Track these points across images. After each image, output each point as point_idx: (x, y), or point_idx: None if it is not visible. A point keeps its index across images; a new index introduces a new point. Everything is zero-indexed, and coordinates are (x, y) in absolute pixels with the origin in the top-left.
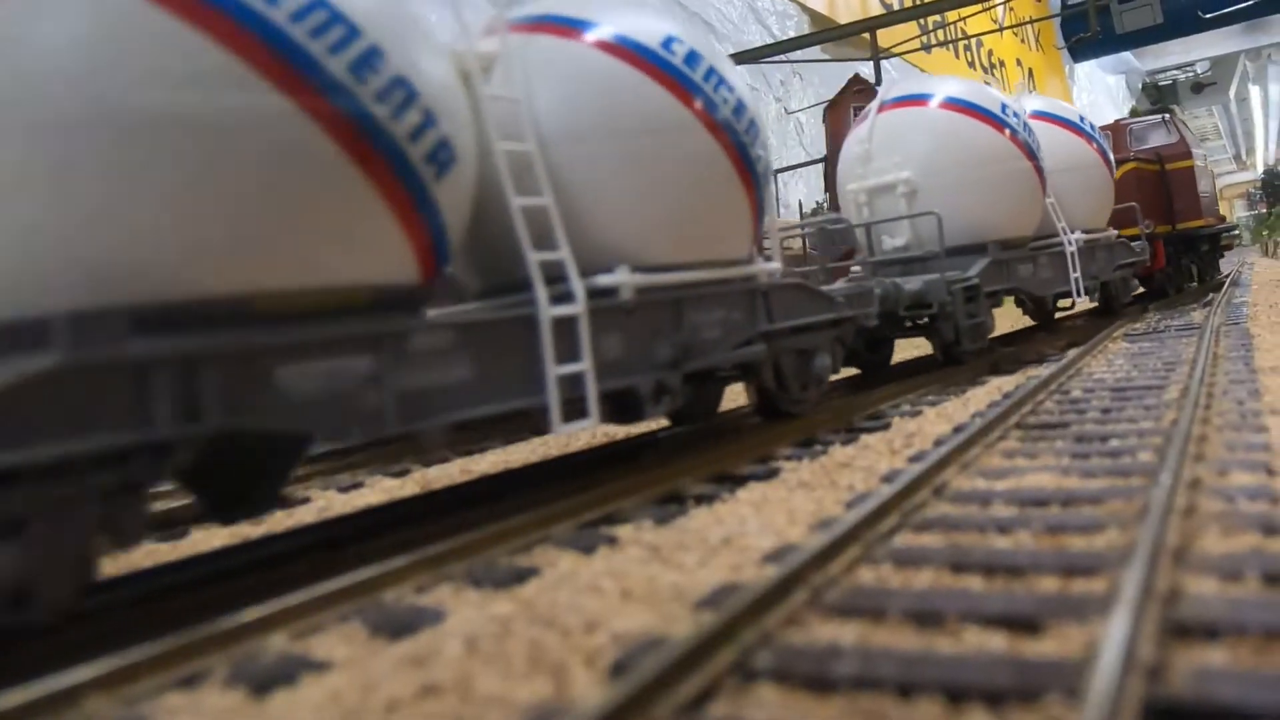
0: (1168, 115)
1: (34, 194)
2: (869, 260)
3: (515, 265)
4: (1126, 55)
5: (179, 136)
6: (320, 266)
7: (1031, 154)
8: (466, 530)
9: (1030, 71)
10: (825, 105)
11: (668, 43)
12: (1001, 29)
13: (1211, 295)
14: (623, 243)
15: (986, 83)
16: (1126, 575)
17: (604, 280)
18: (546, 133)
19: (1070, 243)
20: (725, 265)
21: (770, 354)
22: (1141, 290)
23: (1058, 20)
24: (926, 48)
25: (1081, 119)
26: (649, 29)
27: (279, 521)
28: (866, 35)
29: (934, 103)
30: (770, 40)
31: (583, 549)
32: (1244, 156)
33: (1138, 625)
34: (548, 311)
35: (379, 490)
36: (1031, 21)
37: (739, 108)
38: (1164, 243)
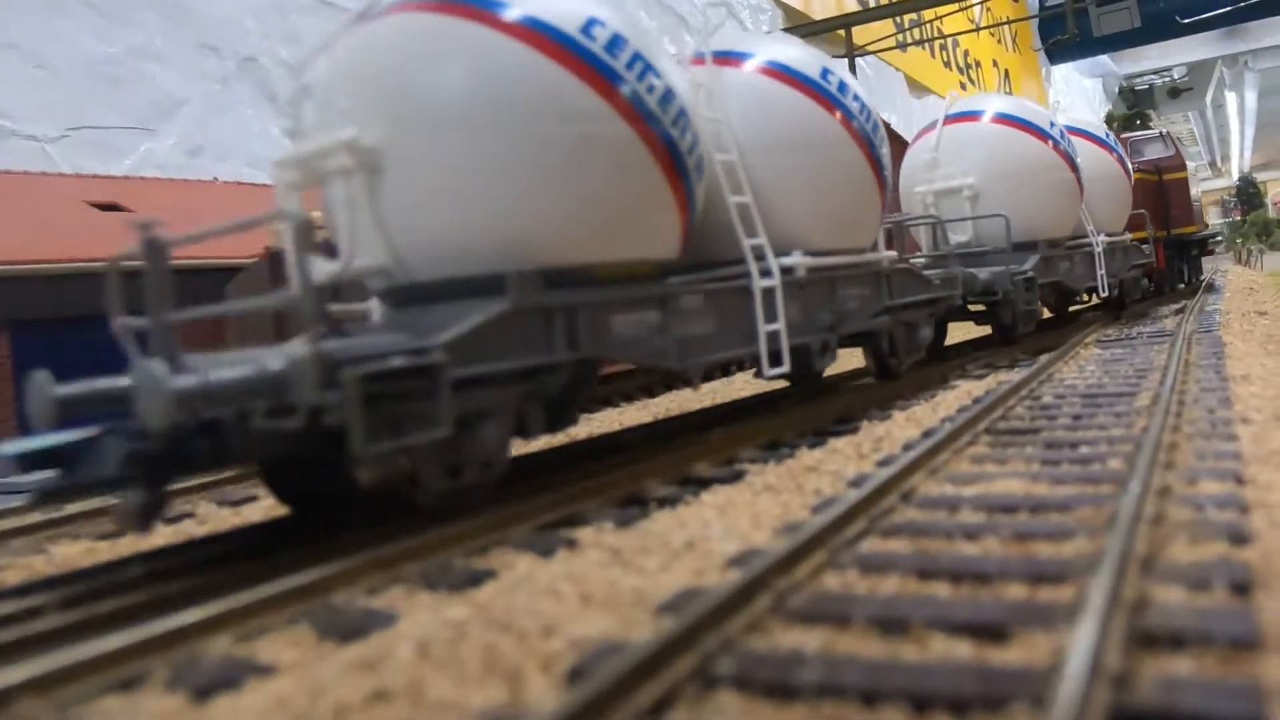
0: (1165, 130)
1: (490, 200)
2: (935, 253)
3: (723, 247)
4: (1103, 59)
5: (568, 156)
6: (637, 246)
7: (1073, 165)
8: (420, 531)
9: (1006, 73)
10: None
11: (824, 73)
12: (978, 29)
13: (1184, 302)
14: (796, 233)
15: (961, 84)
16: (1094, 583)
17: (785, 261)
18: (741, 146)
19: (1097, 244)
20: (862, 252)
21: (889, 324)
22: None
23: (1035, 22)
24: (902, 46)
25: (1107, 134)
26: (805, 59)
27: (224, 520)
28: (841, 32)
29: (986, 118)
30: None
31: (541, 551)
32: (1219, 163)
33: (1104, 634)
34: (758, 283)
35: None
36: (1009, 22)
37: (875, 126)
38: (1163, 246)
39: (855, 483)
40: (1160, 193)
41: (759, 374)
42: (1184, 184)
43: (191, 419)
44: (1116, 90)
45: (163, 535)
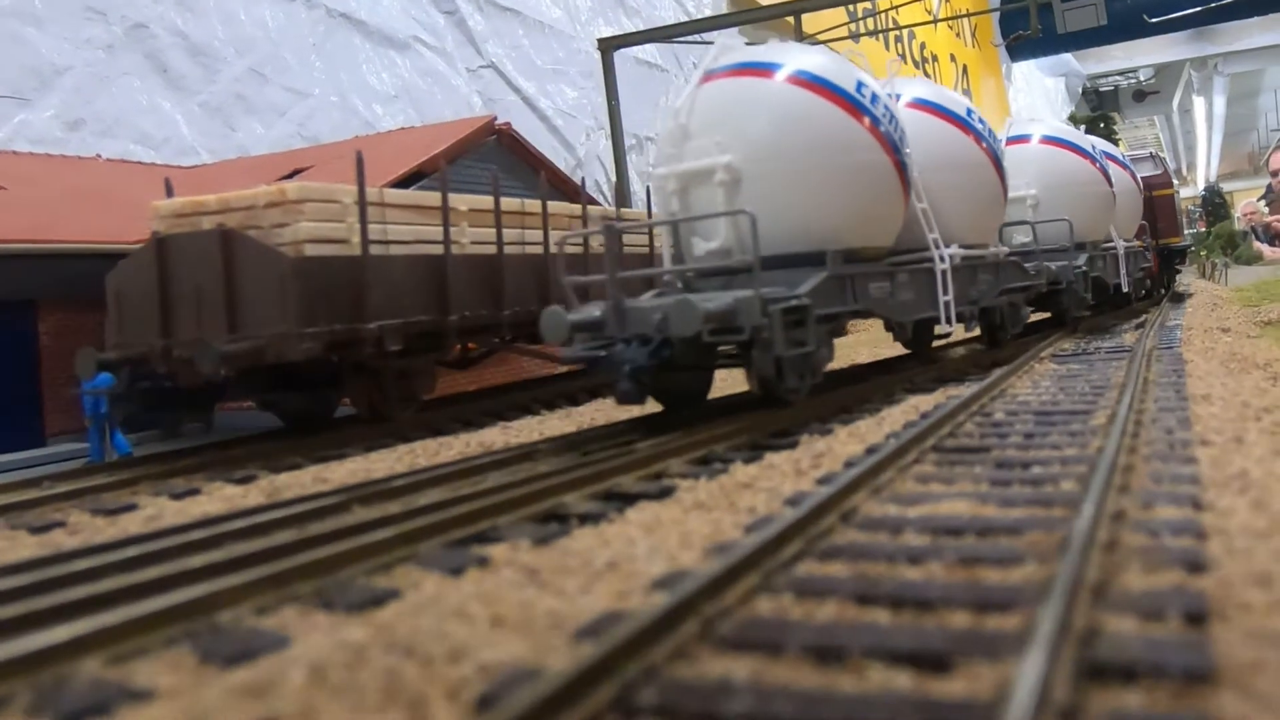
0: (1154, 150)
1: (807, 203)
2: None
3: (905, 239)
4: (1067, 57)
5: (852, 176)
6: (881, 237)
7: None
8: (317, 545)
9: (965, 68)
10: None
11: (970, 112)
12: (936, 21)
13: (1145, 316)
14: (952, 231)
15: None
16: (1043, 612)
17: (948, 251)
18: (919, 165)
19: (1120, 248)
20: (988, 247)
21: (1004, 304)
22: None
23: (996, 16)
24: (855, 36)
25: (1124, 156)
26: (954, 99)
27: (99, 530)
28: (790, 20)
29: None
30: (685, 18)
31: (450, 570)
32: (1185, 172)
33: (1053, 665)
34: (939, 265)
35: (218, 498)
36: (968, 15)
37: (1000, 148)
38: (1156, 254)
39: (793, 501)
40: (1150, 207)
41: (944, 332)
42: (1170, 199)
43: (707, 332)
44: (1080, 91)
45: (29, 546)
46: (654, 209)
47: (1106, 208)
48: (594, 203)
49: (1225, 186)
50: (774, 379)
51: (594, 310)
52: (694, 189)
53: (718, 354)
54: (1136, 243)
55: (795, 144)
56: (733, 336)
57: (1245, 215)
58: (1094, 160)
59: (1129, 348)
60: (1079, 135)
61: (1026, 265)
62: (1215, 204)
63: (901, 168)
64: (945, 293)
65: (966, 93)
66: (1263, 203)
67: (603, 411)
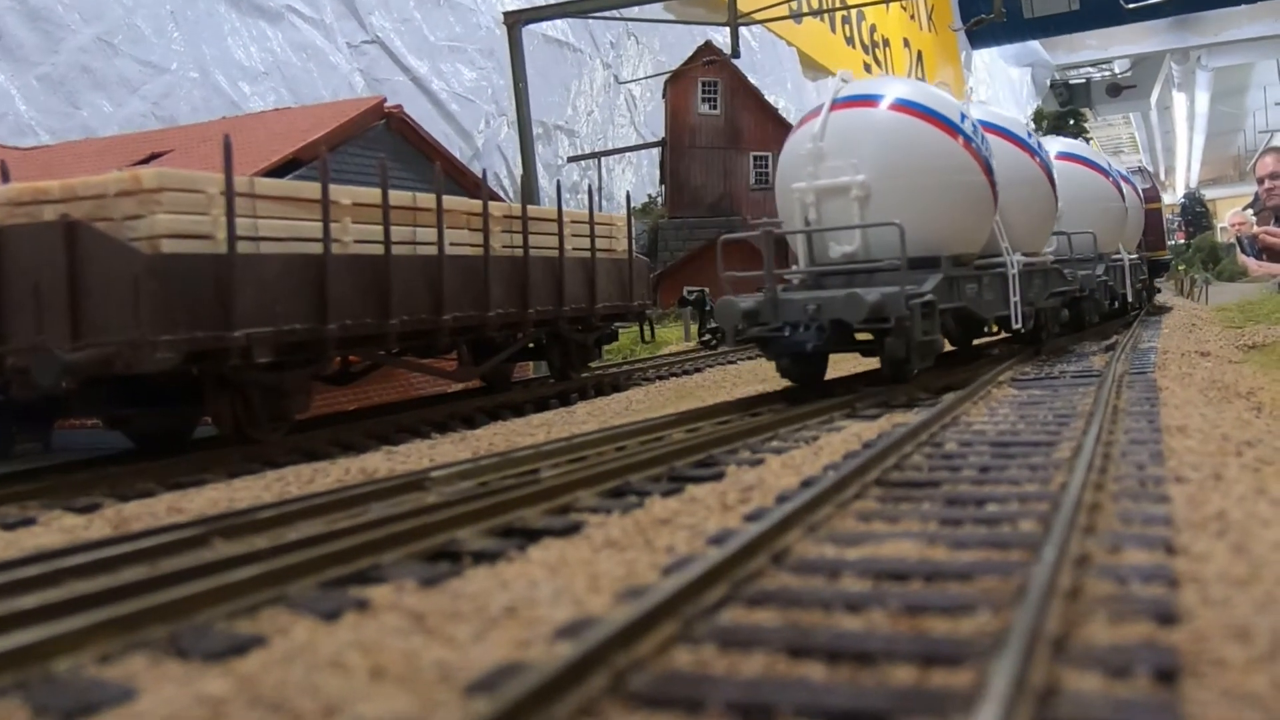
0: (1143, 164)
1: (924, 215)
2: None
3: (985, 246)
4: (1034, 45)
5: (962, 194)
6: (974, 244)
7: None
8: (171, 584)
9: (919, 55)
10: (667, 77)
11: (1030, 134)
12: (887, 1)
13: (1116, 337)
14: (1016, 241)
15: (866, 64)
16: (996, 667)
17: (1016, 258)
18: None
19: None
20: (1041, 255)
21: (1049, 307)
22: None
23: None
24: (796, 16)
25: (1108, 164)
26: (1015, 122)
27: None
28: None
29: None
30: None
31: (325, 614)
32: (1163, 176)
33: None
34: (1010, 270)
35: (57, 529)
36: None
37: (1053, 165)
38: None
39: (717, 540)
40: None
41: (1008, 329)
42: (1158, 213)
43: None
44: (1048, 83)
45: None
46: (782, 216)
47: (1120, 222)
48: (496, 198)
49: (1207, 193)
50: (903, 360)
51: (750, 301)
52: (828, 201)
53: (854, 340)
54: (1048, 257)
55: (916, 165)
56: (879, 324)
57: (1234, 225)
58: (1111, 176)
59: (1097, 372)
60: (1093, 151)
61: (1068, 270)
62: (1196, 213)
63: (993, 186)
64: (1015, 294)
65: (920, 81)
66: (1249, 212)
67: (502, 435)
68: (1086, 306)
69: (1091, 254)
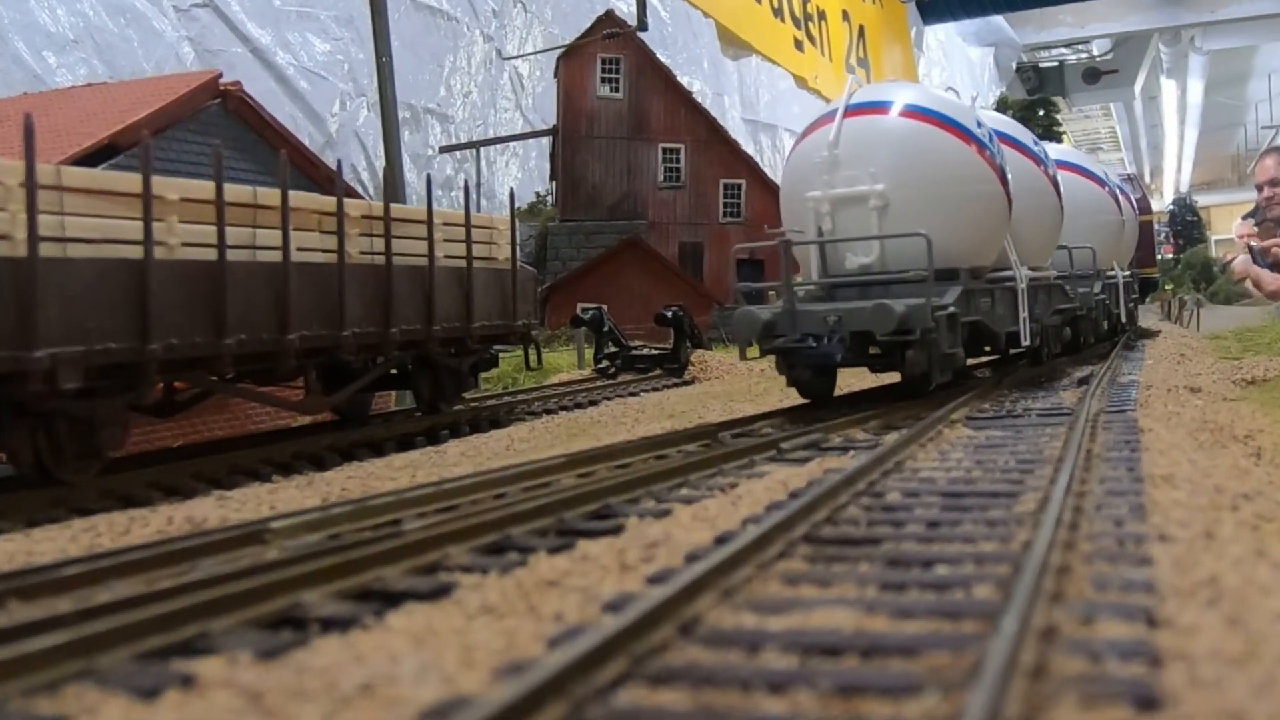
0: (1133, 173)
1: (941, 226)
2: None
3: (995, 260)
4: (998, 20)
5: (982, 205)
6: (989, 257)
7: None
8: None
9: (861, 30)
10: (559, 53)
11: (1036, 142)
12: None
13: (1091, 368)
14: (1023, 254)
15: (797, 41)
16: None
17: (1024, 273)
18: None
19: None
20: (1044, 271)
21: (1055, 324)
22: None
23: None
24: None
25: (1105, 173)
26: (1022, 130)
27: None
28: None
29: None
30: None
31: (142, 691)
32: (1148, 177)
33: None
34: (1019, 284)
35: None
36: None
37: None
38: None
39: (614, 605)
40: None
41: (1015, 347)
42: (1149, 225)
43: (882, 331)
44: (1014, 67)
45: None
46: (788, 225)
47: (1118, 236)
48: (353, 195)
49: (1200, 199)
50: (925, 374)
51: (768, 313)
52: (844, 210)
53: (869, 353)
54: (1051, 273)
55: (935, 175)
56: (903, 337)
57: (1242, 237)
58: (1108, 187)
59: (1068, 410)
60: (1090, 159)
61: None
62: (1187, 222)
63: (1008, 196)
64: (1024, 310)
65: (862, 61)
66: (1250, 221)
67: (358, 479)
68: (1084, 326)
69: (1091, 270)
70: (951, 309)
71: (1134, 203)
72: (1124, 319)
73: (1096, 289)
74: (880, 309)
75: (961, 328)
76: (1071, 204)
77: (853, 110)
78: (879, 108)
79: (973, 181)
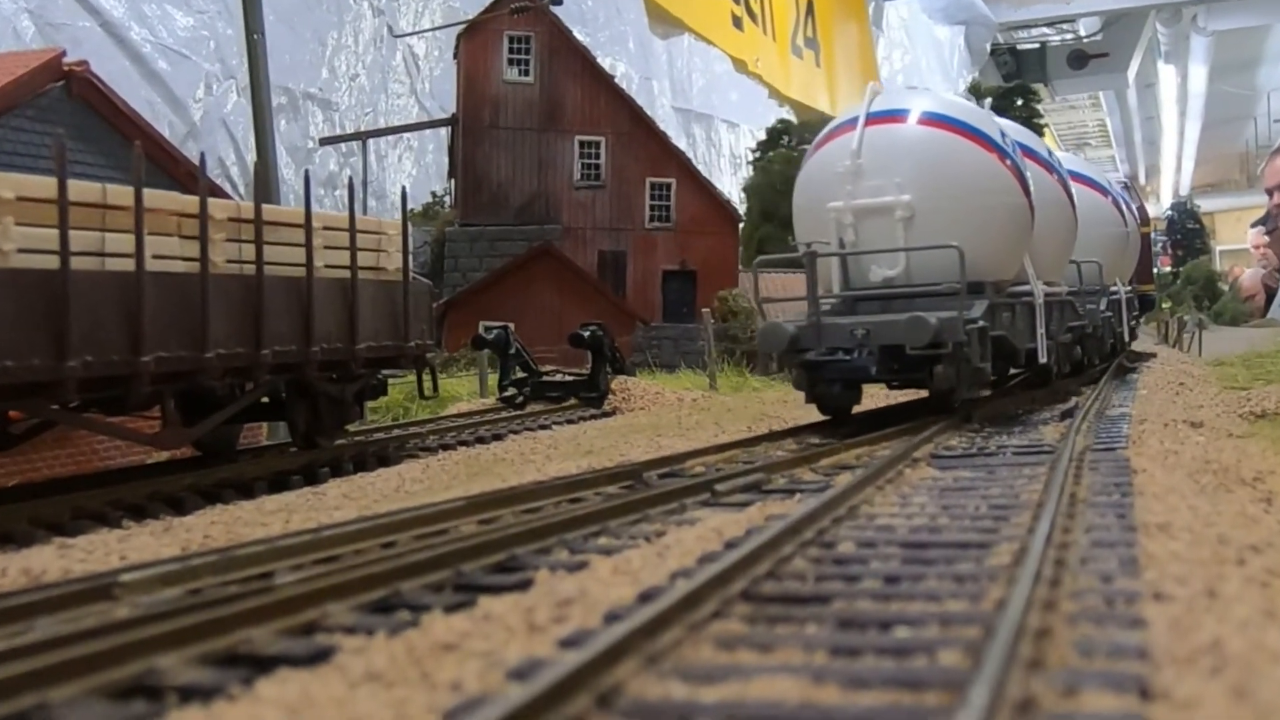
0: (1129, 179)
1: (976, 240)
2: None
3: (1016, 276)
4: None
5: (1008, 215)
6: (1011, 270)
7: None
8: None
9: (809, 8)
10: (460, 30)
11: (1050, 152)
12: None
13: (1075, 399)
14: (1039, 270)
15: (735, 17)
16: None
17: (1039, 288)
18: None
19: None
20: (1058, 286)
21: (1067, 342)
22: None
23: None
24: None
25: (1109, 182)
26: (1037, 139)
27: None
28: None
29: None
30: None
31: None
32: (1143, 178)
33: None
34: (1036, 300)
35: None
36: None
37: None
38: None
39: (521, 673)
40: None
41: (1032, 364)
42: (1147, 237)
43: (911, 345)
44: (987, 49)
45: None
46: (805, 237)
47: (1124, 250)
48: (220, 193)
49: (1203, 204)
50: (953, 389)
51: (792, 326)
52: (868, 221)
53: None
54: (1063, 288)
55: (961, 186)
56: (934, 350)
57: (1255, 247)
58: (1111, 196)
59: (1049, 447)
60: (1094, 168)
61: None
62: (1188, 230)
63: (1031, 208)
64: (1041, 325)
65: (811, 42)
66: (1260, 230)
67: (223, 525)
68: (1090, 345)
69: (1097, 286)
70: (982, 323)
71: (1134, 212)
72: (1126, 339)
73: (1102, 306)
74: (915, 321)
75: (989, 342)
76: (1079, 215)
77: (874, 119)
78: (898, 116)
79: (999, 193)
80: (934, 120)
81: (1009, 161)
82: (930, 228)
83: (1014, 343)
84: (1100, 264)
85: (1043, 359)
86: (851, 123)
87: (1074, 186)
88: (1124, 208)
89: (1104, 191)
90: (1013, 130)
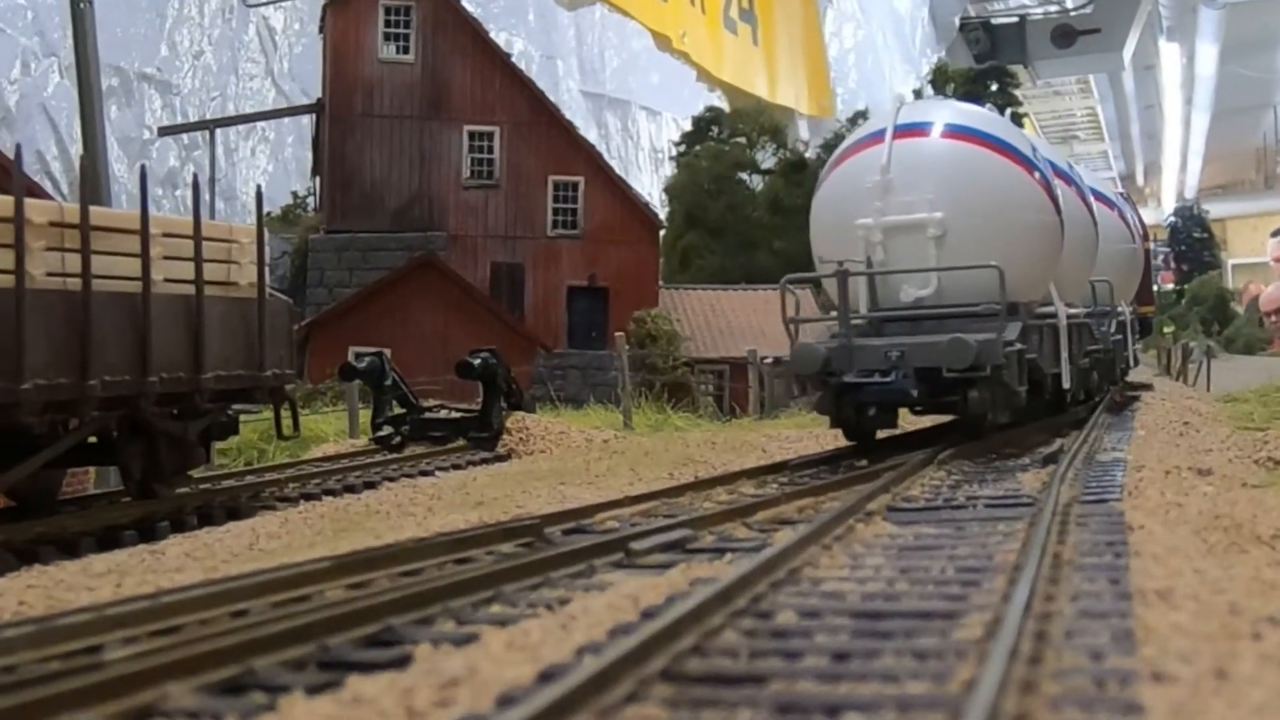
0: (1124, 191)
1: (1009, 260)
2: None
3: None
4: None
5: (1040, 235)
6: (1040, 290)
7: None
8: None
9: None
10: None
11: (1071, 166)
12: None
13: (1059, 441)
14: (1062, 292)
15: None
16: None
17: (1063, 309)
18: None
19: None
20: (1077, 308)
21: (1085, 367)
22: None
23: None
24: None
25: (1109, 190)
26: (1054, 153)
27: None
28: None
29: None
30: None
31: None
32: (1140, 178)
33: None
34: (1060, 322)
35: None
36: None
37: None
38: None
39: None
40: None
41: (1061, 392)
42: (1146, 254)
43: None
44: (956, 24)
45: None
46: (827, 255)
47: (1133, 267)
48: (39, 193)
49: (1213, 209)
50: (988, 413)
51: (823, 348)
52: (898, 239)
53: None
54: (1080, 310)
55: (994, 203)
56: (971, 374)
57: (1277, 260)
58: (1117, 208)
59: (1028, 499)
60: (1100, 181)
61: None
62: (1194, 241)
63: (1063, 226)
64: (1065, 350)
65: (746, 14)
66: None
67: (41, 589)
68: (1102, 371)
69: (1108, 307)
70: (1019, 345)
71: (1139, 225)
72: (1132, 365)
73: (1112, 328)
74: (956, 344)
75: (1026, 366)
76: (1111, 253)
77: (902, 132)
78: (920, 129)
79: (1032, 211)
80: (960, 133)
81: (1039, 176)
82: (962, 246)
83: (1044, 366)
84: (1111, 283)
85: (1067, 385)
86: (877, 135)
87: (1104, 215)
88: (1131, 221)
89: (1111, 204)
90: (1013, 137)
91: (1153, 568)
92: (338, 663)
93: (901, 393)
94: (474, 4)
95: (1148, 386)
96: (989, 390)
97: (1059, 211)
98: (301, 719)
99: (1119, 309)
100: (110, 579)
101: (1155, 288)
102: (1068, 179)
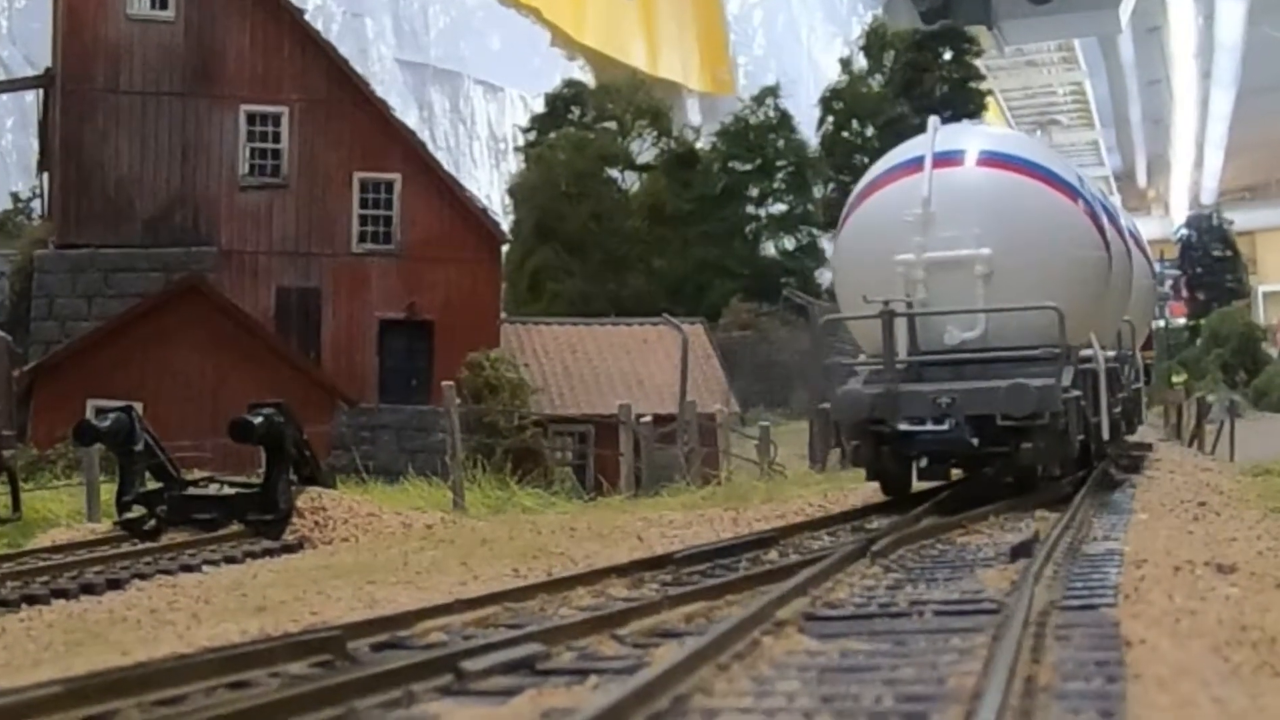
0: (1112, 178)
1: (1060, 300)
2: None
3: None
4: None
5: (1083, 270)
6: (1086, 331)
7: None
8: None
9: None
10: None
11: (1098, 192)
12: None
13: (1035, 525)
14: (1100, 336)
15: None
16: None
17: (1102, 353)
18: None
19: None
20: (1109, 351)
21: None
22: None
23: None
24: None
25: (1124, 216)
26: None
27: None
28: None
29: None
30: None
31: None
32: (1141, 177)
33: None
34: (1099, 366)
35: None
36: None
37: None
38: None
39: None
40: None
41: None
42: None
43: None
44: None
45: None
46: (857, 293)
47: (1148, 305)
48: None
49: (1238, 219)
50: (1039, 465)
51: (868, 393)
52: (941, 276)
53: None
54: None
55: (1044, 239)
56: (1028, 422)
57: None
58: (1135, 237)
59: (991, 604)
60: (1117, 206)
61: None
62: (1214, 261)
63: (1111, 263)
64: (1105, 396)
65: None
66: None
67: None
68: (1129, 419)
69: (1129, 351)
70: (1076, 392)
71: (1149, 253)
72: (1109, 433)
73: (1130, 373)
74: (1017, 389)
75: (1083, 414)
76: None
77: (941, 161)
78: (953, 158)
79: (1085, 247)
80: (999, 161)
81: (1083, 205)
82: (1011, 284)
83: (1085, 413)
84: (1131, 322)
85: (1106, 436)
86: (914, 164)
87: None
88: (1148, 251)
89: (1122, 227)
90: (1060, 165)
91: (1158, 696)
92: None
93: (962, 442)
94: None
95: (1146, 447)
96: (1044, 440)
97: (1108, 248)
98: None
99: (1129, 351)
100: None
101: (1161, 323)
102: (1100, 204)
